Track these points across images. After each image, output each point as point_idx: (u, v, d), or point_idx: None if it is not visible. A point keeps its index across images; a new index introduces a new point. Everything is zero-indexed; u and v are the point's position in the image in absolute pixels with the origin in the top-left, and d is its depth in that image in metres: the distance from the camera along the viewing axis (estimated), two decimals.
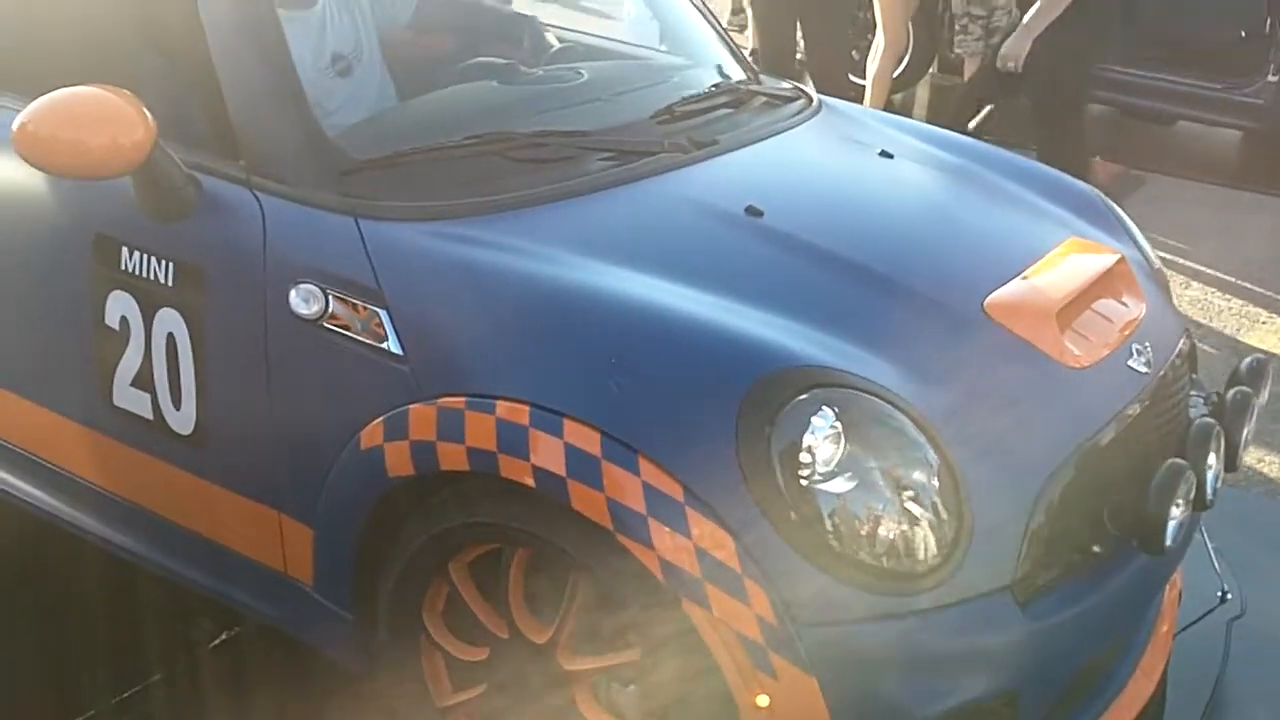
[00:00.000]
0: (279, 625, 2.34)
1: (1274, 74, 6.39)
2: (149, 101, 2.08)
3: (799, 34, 5.81)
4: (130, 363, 2.26)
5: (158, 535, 2.42)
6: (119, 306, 2.24)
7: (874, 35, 7.68)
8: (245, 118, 2.17)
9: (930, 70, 7.79)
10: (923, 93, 7.84)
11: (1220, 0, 6.56)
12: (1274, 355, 4.21)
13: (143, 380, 2.25)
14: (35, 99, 2.07)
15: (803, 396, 1.82)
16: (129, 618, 2.63)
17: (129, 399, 2.28)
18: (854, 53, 7.57)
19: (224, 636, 2.67)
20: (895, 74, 7.62)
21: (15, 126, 2.04)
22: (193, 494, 2.30)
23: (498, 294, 1.99)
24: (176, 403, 2.22)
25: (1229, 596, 2.74)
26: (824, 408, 1.82)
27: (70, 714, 2.45)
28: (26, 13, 2.60)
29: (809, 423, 1.81)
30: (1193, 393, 2.41)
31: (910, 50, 7.58)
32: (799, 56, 6.00)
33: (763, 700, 1.80)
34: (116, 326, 2.25)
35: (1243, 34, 6.64)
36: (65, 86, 2.07)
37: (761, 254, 2.14)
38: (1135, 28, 5.87)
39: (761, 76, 2.98)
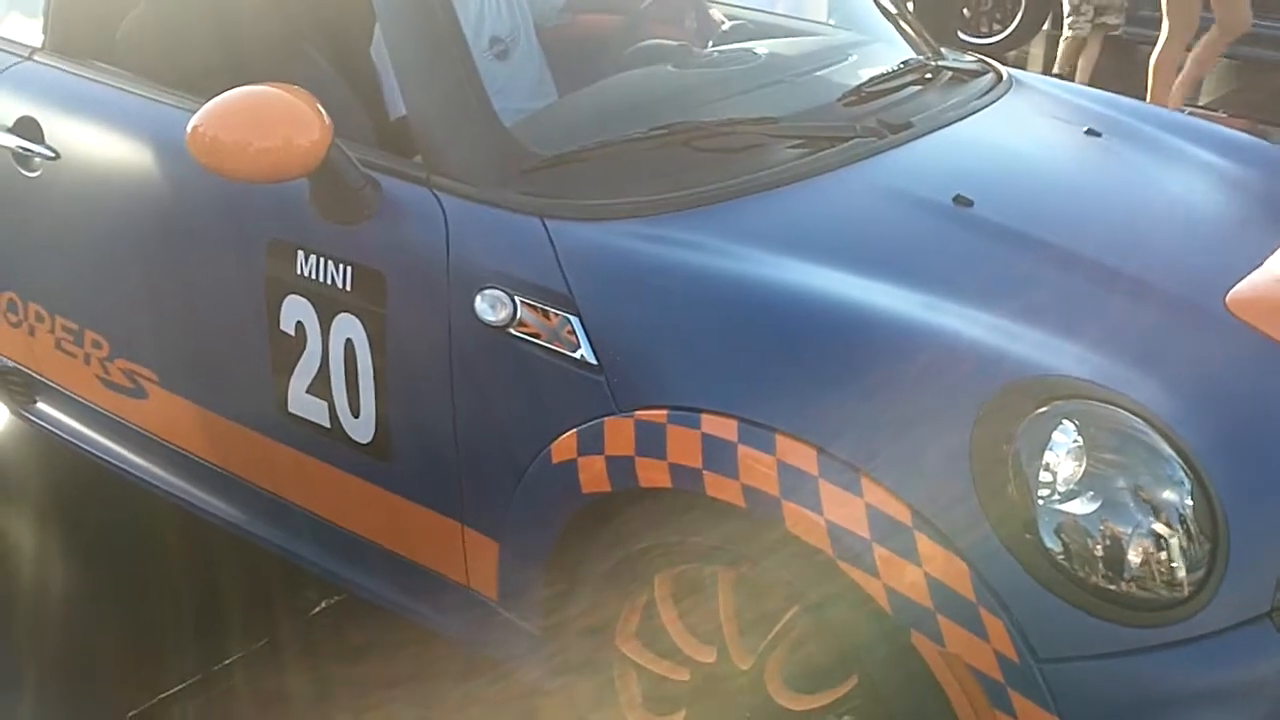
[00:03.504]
0: (459, 639, 2.27)
1: None
2: (321, 99, 2.00)
3: None
4: (306, 369, 2.18)
5: (331, 542, 2.36)
6: (295, 312, 2.16)
7: None
8: (422, 114, 2.07)
9: (1044, 26, 7.54)
10: (1037, 49, 7.56)
11: None
12: None
13: (319, 387, 2.18)
14: (205, 100, 2.00)
15: (1042, 409, 1.66)
16: (236, 587, 2.70)
17: (305, 406, 2.21)
18: (965, 10, 7.33)
19: (323, 605, 2.69)
20: (1006, 33, 7.42)
21: (189, 130, 1.97)
22: (370, 503, 2.23)
23: (698, 298, 1.86)
24: (355, 410, 2.14)
25: None
26: (1065, 421, 1.66)
27: (179, 678, 2.50)
28: (192, 12, 2.54)
29: (1049, 438, 1.65)
30: None
31: (1024, 4, 7.33)
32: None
33: None
34: (292, 332, 2.18)
35: None
36: (234, 87, 1.99)
37: (977, 248, 1.98)
38: None
39: (944, 50, 2.80)
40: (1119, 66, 6.54)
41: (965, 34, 7.29)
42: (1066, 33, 6.24)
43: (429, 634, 2.33)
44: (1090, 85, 5.42)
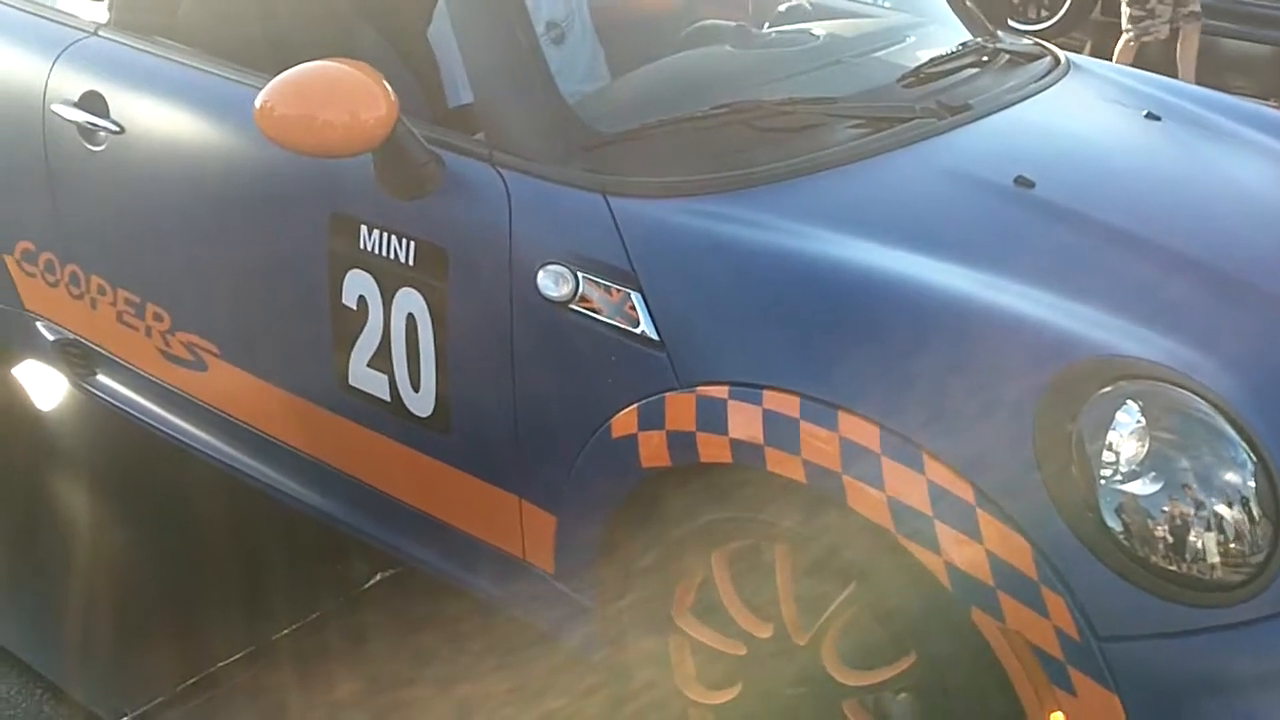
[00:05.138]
0: (515, 612, 2.29)
1: None
2: (387, 74, 2.02)
3: None
4: (367, 343, 2.21)
5: (388, 515, 2.39)
6: (357, 286, 2.19)
7: None
8: (487, 90, 2.09)
9: (1093, 14, 7.45)
10: (1082, 36, 7.49)
11: None
12: None
13: (380, 361, 2.20)
14: (267, 76, 2.03)
15: (1106, 389, 1.66)
16: (289, 559, 2.74)
17: (365, 380, 2.24)
18: None
19: (377, 578, 2.73)
20: (1055, 19, 7.34)
21: (257, 105, 1.99)
22: (429, 476, 2.25)
23: (760, 275, 1.87)
24: (415, 385, 2.17)
25: None
26: (1129, 401, 1.66)
27: (231, 650, 2.54)
28: None
29: (1113, 418, 1.65)
30: None
31: None
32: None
33: (1058, 717, 1.66)
34: (354, 306, 2.20)
35: None
36: (295, 63, 2.01)
37: (1039, 230, 1.98)
38: None
39: (1000, 33, 2.79)
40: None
41: (1013, 20, 7.24)
42: (1141, 37, 5.80)
43: (484, 607, 2.36)
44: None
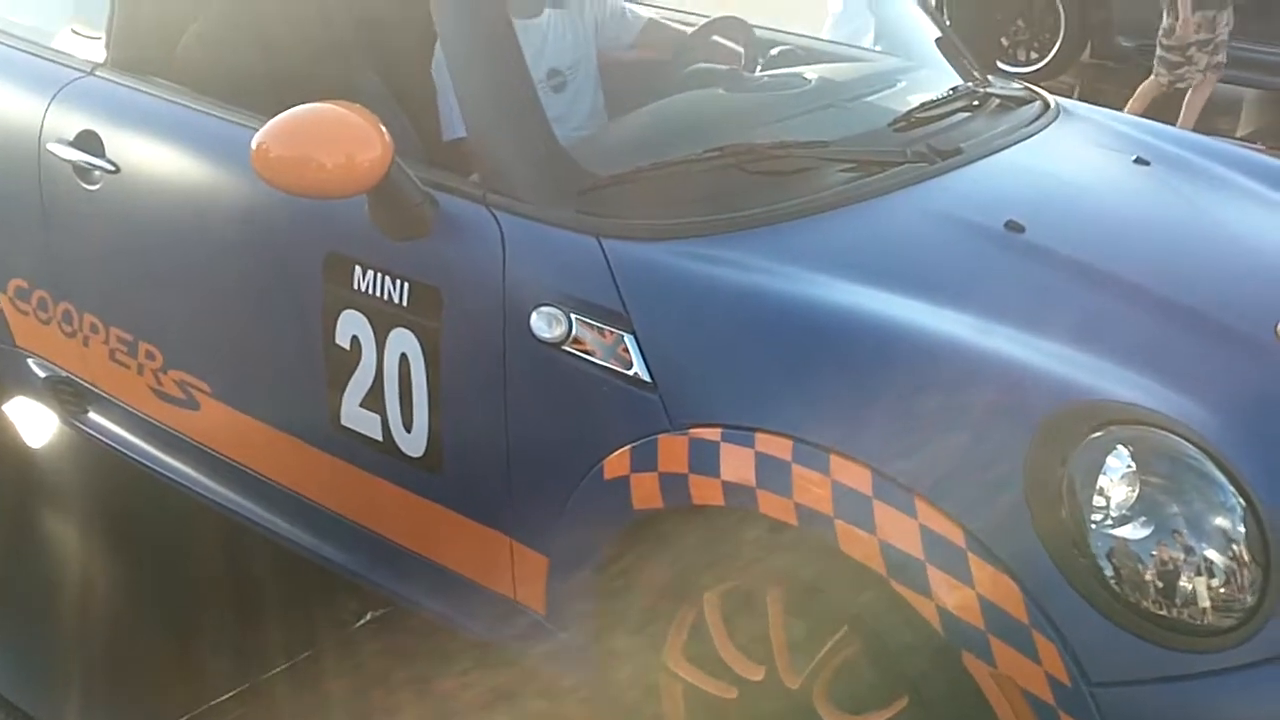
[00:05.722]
0: (506, 652, 2.28)
1: None
2: (382, 115, 2.03)
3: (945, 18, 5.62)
4: (360, 383, 2.21)
5: (379, 554, 2.39)
6: (350, 326, 2.19)
7: (1022, 20, 7.33)
8: (482, 132, 2.10)
9: (1082, 56, 7.51)
10: (1072, 79, 7.54)
11: None
12: None
13: (373, 401, 2.20)
14: (263, 117, 2.04)
15: (1097, 434, 1.67)
16: (278, 600, 2.73)
17: (358, 419, 2.24)
18: (1003, 38, 7.35)
19: (368, 617, 2.72)
20: (1044, 62, 7.40)
21: (253, 146, 2.00)
22: (420, 516, 2.25)
23: (753, 318, 1.88)
24: (408, 425, 2.17)
25: None
26: (1120, 446, 1.67)
27: (220, 691, 2.51)
28: (249, 29, 2.58)
29: (1104, 462, 1.66)
30: None
31: (1063, 34, 7.32)
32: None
33: None
34: (347, 346, 2.21)
35: None
36: (291, 104, 2.02)
37: (1029, 274, 1.99)
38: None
39: (990, 77, 2.82)
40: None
41: (1003, 63, 7.29)
42: (1176, 84, 5.79)
43: (476, 647, 2.35)
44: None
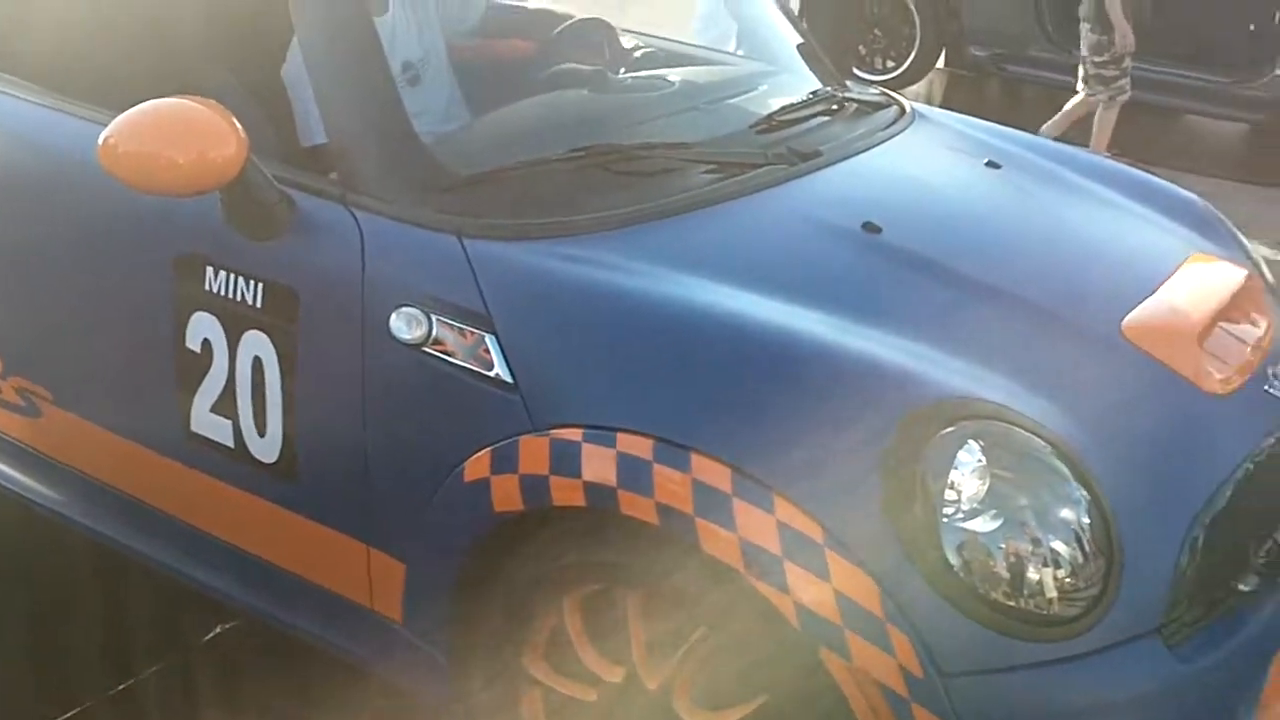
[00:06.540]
0: (363, 663, 2.24)
1: None
2: (236, 113, 1.98)
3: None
4: (211, 388, 2.15)
5: (232, 565, 2.32)
6: (201, 328, 2.13)
7: (879, 29, 7.44)
8: (341, 130, 2.06)
9: (936, 64, 7.72)
10: (926, 87, 7.74)
11: None
12: None
13: (224, 406, 2.14)
14: (114, 112, 1.97)
15: (949, 429, 1.71)
16: (124, 613, 2.63)
17: (208, 425, 2.18)
18: (861, 46, 7.52)
19: (218, 630, 2.64)
20: (900, 70, 7.58)
21: (100, 142, 1.93)
22: (273, 524, 2.20)
23: (615, 318, 1.88)
24: (260, 430, 2.12)
25: None
26: (970, 441, 1.71)
27: (65, 707, 2.42)
28: (105, 24, 2.49)
29: (955, 457, 1.70)
30: None
31: (918, 43, 7.52)
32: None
33: None
34: (198, 349, 2.14)
35: (1251, 28, 6.58)
36: (148, 100, 1.96)
37: (886, 274, 2.03)
38: (1144, 22, 5.74)
39: (848, 82, 2.86)
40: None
41: (860, 70, 7.44)
42: (1117, 96, 5.65)
43: (332, 659, 2.30)
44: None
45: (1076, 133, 5.76)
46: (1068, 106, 5.87)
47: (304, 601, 2.23)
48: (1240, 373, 2.04)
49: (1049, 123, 5.87)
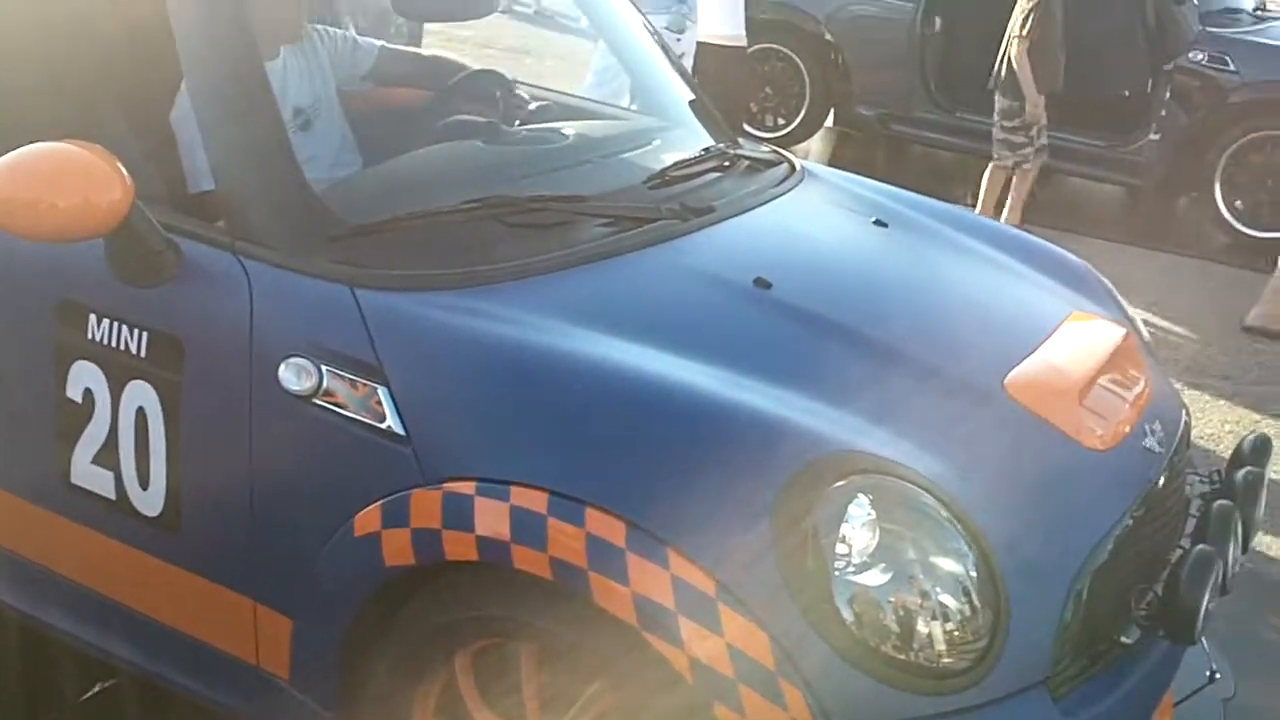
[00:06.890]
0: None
1: (1155, 132, 6.60)
2: (122, 158, 1.94)
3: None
4: (93, 438, 2.09)
5: (110, 620, 2.24)
6: (83, 378, 2.08)
7: (770, 88, 7.54)
8: (229, 177, 2.03)
9: (824, 123, 7.91)
10: (819, 145, 7.92)
11: (1105, 60, 6.76)
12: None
13: (106, 458, 2.08)
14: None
15: (839, 483, 1.73)
16: (5, 669, 2.54)
17: (89, 477, 2.11)
18: (752, 104, 7.69)
19: (97, 689, 2.54)
20: (790, 128, 7.75)
21: None
22: (155, 578, 2.14)
23: (509, 371, 1.87)
24: (144, 482, 2.06)
25: (1218, 676, 2.70)
26: (860, 494, 1.73)
27: None
28: None
29: (845, 511, 1.72)
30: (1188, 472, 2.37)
31: (807, 102, 7.70)
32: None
33: None
34: (79, 399, 2.08)
35: (1126, 94, 6.86)
36: (30, 143, 1.91)
37: (777, 329, 2.06)
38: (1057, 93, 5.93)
39: (740, 139, 2.91)
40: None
41: (750, 127, 7.57)
42: (1023, 164, 5.78)
43: (216, 716, 2.23)
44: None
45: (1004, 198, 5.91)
46: (986, 179, 5.98)
47: (187, 658, 2.17)
48: (1119, 428, 2.11)
49: (980, 200, 5.98)
